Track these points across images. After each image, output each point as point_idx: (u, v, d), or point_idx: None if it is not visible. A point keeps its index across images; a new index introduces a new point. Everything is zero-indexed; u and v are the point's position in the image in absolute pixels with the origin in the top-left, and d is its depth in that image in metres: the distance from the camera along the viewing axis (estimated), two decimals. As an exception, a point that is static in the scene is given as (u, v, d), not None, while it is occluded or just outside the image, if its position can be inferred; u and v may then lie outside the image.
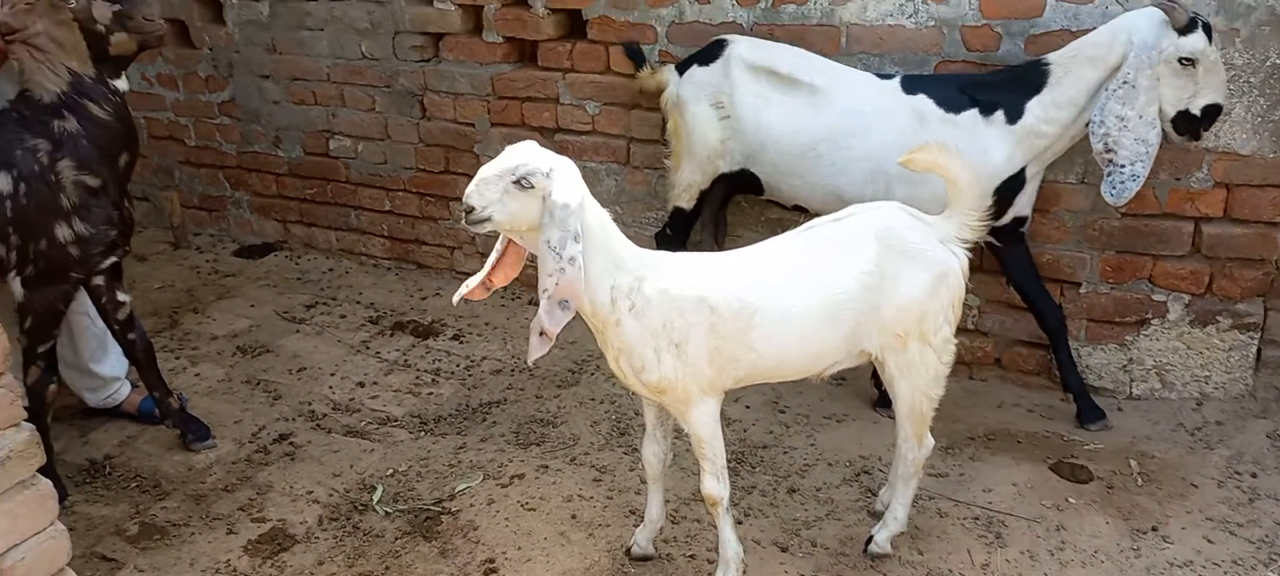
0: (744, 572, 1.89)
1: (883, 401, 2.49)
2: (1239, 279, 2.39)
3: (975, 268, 2.13)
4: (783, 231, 1.88)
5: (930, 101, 2.26)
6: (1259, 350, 2.47)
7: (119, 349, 2.43)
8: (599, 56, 2.98)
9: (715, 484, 1.80)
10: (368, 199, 3.61)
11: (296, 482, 2.35)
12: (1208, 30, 2.03)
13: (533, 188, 1.56)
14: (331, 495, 2.30)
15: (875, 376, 2.44)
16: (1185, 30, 2.00)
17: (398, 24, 3.25)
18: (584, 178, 3.11)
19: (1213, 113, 2.07)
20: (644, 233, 3.10)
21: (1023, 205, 2.30)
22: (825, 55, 2.56)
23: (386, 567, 2.04)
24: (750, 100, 2.41)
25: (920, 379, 1.83)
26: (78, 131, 2.11)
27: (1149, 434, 2.41)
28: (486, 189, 1.56)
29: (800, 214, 2.42)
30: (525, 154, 1.59)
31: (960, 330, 1.92)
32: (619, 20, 2.88)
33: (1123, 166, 2.09)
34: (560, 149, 3.08)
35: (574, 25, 3.04)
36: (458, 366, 2.92)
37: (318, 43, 3.42)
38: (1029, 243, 2.42)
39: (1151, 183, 2.33)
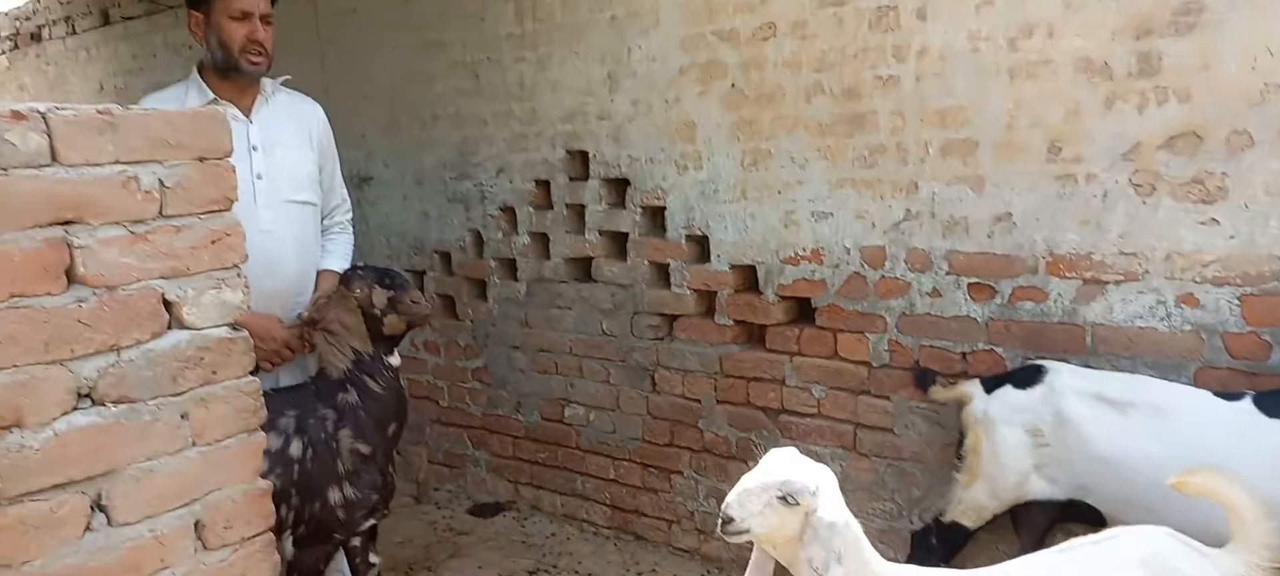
0: None
1: None
2: None
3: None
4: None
5: None
6: None
7: None
8: (826, 342, 3.04)
9: None
10: (594, 466, 3.75)
11: None
12: None
13: (798, 504, 1.54)
14: None
15: None
16: None
17: (637, 305, 3.50)
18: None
19: None
20: (869, 524, 2.98)
21: None
22: (1068, 355, 2.49)
23: None
24: (1082, 429, 2.24)
25: None
26: (357, 403, 2.39)
27: None
28: (749, 501, 1.55)
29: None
30: (789, 467, 1.58)
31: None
32: (848, 309, 2.96)
33: None
34: (784, 430, 3.14)
35: (802, 311, 3.15)
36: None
37: (565, 319, 3.74)
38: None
39: None
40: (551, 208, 3.70)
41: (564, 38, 3.51)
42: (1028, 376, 2.39)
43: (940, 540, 2.52)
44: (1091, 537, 1.68)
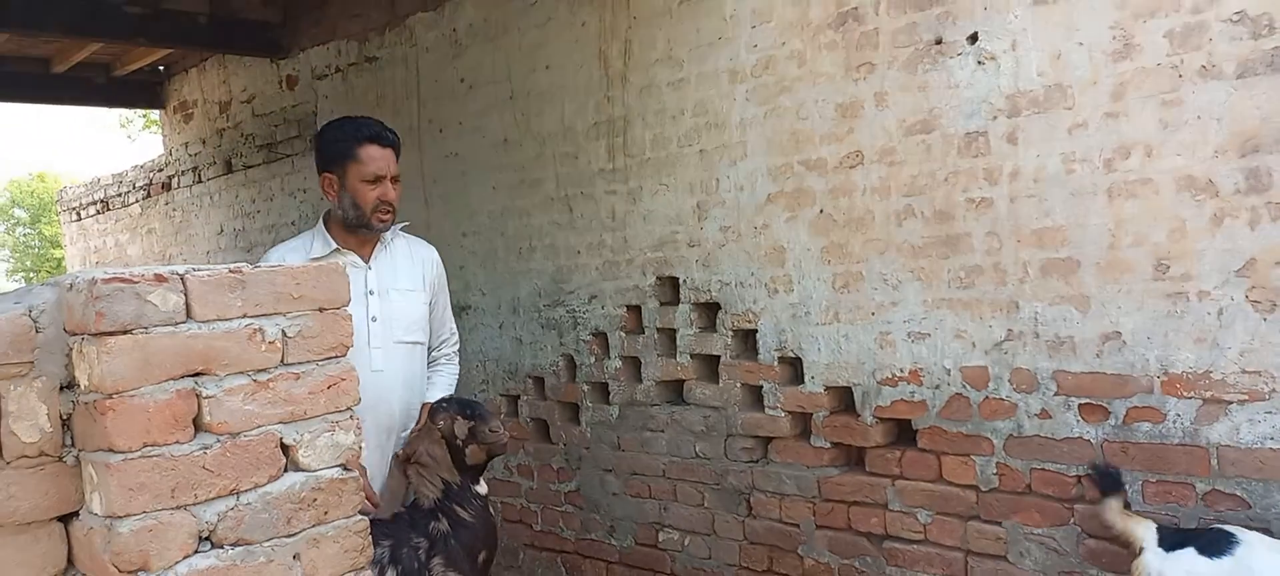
0: None
1: None
2: None
3: None
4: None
5: None
6: None
7: None
8: (930, 465, 2.95)
9: None
10: (689, 593, 3.67)
11: None
12: None
13: None
14: None
15: None
16: None
17: (731, 427, 3.48)
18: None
19: None
20: (983, 660, 2.84)
21: None
22: (1191, 478, 2.35)
23: None
24: None
25: None
26: (448, 532, 2.43)
27: None
28: None
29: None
30: None
31: None
32: (951, 431, 2.88)
33: None
34: (890, 557, 3.03)
35: (902, 433, 3.07)
36: None
37: (657, 442, 3.73)
38: None
39: None
40: (642, 332, 3.74)
41: (654, 170, 3.61)
42: (1215, 544, 2.17)
43: None
44: None
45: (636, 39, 3.63)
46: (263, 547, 1.56)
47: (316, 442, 1.64)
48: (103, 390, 1.40)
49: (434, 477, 2.47)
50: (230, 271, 1.55)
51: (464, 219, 4.39)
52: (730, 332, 3.45)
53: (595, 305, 3.91)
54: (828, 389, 3.18)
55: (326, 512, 1.64)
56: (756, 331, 3.36)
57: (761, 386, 3.37)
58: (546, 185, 4.04)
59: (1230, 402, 2.37)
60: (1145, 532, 2.30)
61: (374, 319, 2.62)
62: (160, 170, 7.03)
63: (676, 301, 3.62)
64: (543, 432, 4.21)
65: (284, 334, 1.60)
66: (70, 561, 1.51)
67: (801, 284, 3.20)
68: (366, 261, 2.67)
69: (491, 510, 2.54)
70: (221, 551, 1.51)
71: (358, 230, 2.63)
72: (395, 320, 2.65)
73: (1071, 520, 2.65)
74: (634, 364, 3.80)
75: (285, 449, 1.61)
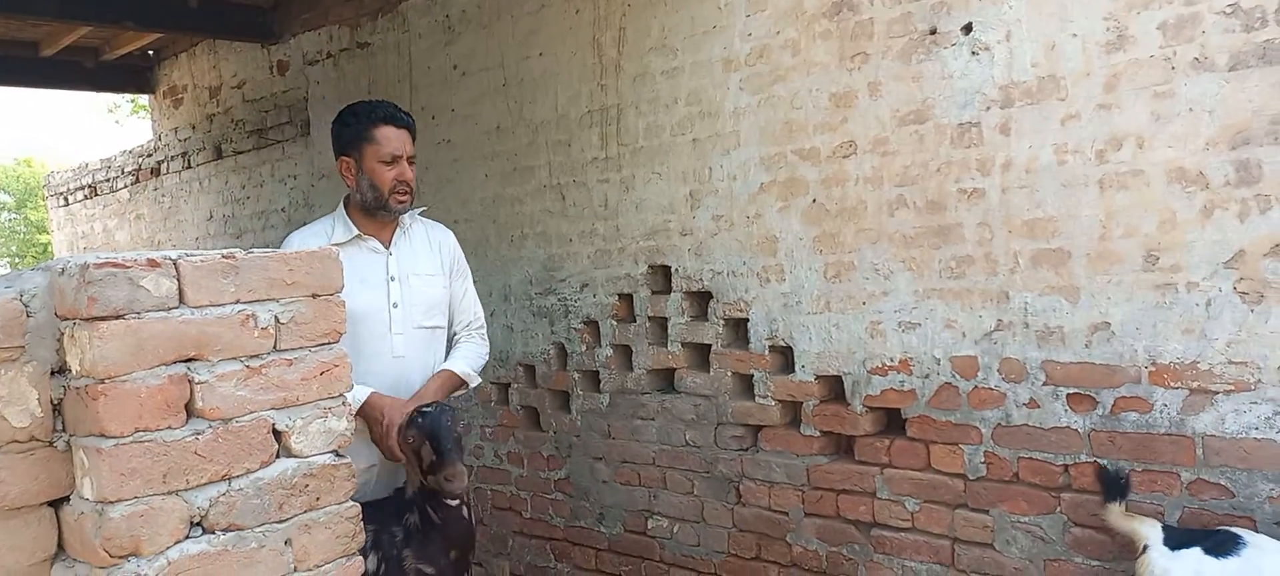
0: None
1: None
2: None
3: None
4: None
5: None
6: None
7: None
8: (919, 454, 2.97)
9: None
10: (679, 581, 3.69)
11: None
12: None
13: None
14: None
15: None
16: None
17: (721, 416, 3.49)
18: (907, 583, 2.99)
19: None
20: (971, 647, 2.86)
21: None
22: (1176, 468, 2.38)
23: None
24: None
25: None
26: (418, 527, 2.42)
27: None
28: None
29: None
30: None
31: None
32: (940, 420, 2.89)
33: None
34: (877, 544, 3.05)
35: (892, 421, 3.09)
36: None
37: (648, 430, 3.74)
38: None
39: None
40: (634, 320, 3.75)
41: (647, 159, 3.61)
42: (1222, 545, 2.17)
43: None
44: None
45: (630, 27, 3.62)
46: (254, 533, 1.56)
47: (309, 429, 1.64)
48: (94, 375, 1.39)
49: (413, 473, 2.46)
50: (223, 257, 1.54)
51: (456, 206, 4.38)
52: (722, 321, 3.46)
53: (587, 293, 3.91)
54: (818, 377, 3.19)
55: (318, 498, 1.64)
56: (748, 320, 3.37)
57: (752, 375, 3.38)
58: (539, 173, 4.03)
59: (1217, 393, 2.39)
60: (1150, 531, 2.30)
61: (395, 305, 2.62)
62: (149, 155, 6.99)
63: (668, 290, 3.63)
64: (533, 420, 4.22)
65: (277, 320, 1.60)
66: (60, 546, 1.51)
67: (793, 273, 3.21)
68: (387, 247, 2.67)
69: (466, 512, 2.47)
70: (213, 537, 1.51)
71: (377, 213, 2.64)
72: (416, 305, 2.66)
73: (1058, 509, 2.67)
74: (625, 352, 3.81)
75: (277, 434, 1.60)
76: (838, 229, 3.08)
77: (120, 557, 1.41)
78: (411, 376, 2.65)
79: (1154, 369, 2.48)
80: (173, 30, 5.61)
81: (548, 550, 4.21)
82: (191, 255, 1.49)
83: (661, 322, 3.67)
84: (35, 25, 5.74)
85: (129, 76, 6.82)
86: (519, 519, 4.33)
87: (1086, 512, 2.60)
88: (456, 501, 2.43)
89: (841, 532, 3.17)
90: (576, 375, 3.99)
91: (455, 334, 2.84)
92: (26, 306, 1.45)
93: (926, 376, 2.92)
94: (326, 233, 2.64)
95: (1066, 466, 2.65)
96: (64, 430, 1.49)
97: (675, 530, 3.69)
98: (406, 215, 2.71)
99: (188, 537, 1.49)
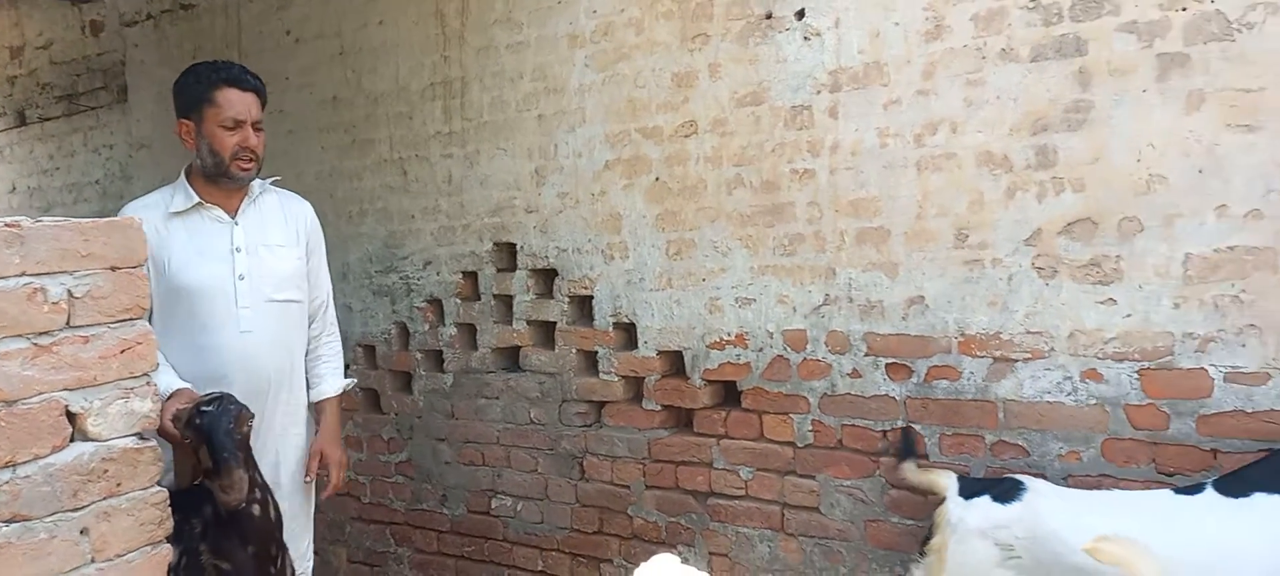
0: None
1: None
2: None
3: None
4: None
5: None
6: None
7: None
8: (753, 424, 3.08)
9: None
10: (522, 558, 3.68)
11: None
12: None
13: None
14: None
15: None
16: None
17: (566, 393, 3.50)
18: (738, 543, 3.12)
19: None
20: (800, 607, 3.00)
21: None
22: (981, 431, 2.57)
23: None
24: (1057, 547, 2.24)
25: None
26: (211, 519, 2.22)
27: None
28: None
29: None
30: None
31: None
32: (772, 391, 3.01)
33: None
34: (713, 513, 3.15)
35: (728, 394, 3.19)
36: None
37: (492, 409, 3.71)
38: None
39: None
40: (479, 299, 3.70)
41: (492, 134, 3.56)
42: (1007, 491, 2.37)
43: None
44: None
45: (473, -2, 3.55)
46: (44, 523, 1.45)
47: (108, 410, 1.53)
48: None
49: (186, 471, 2.30)
50: (6, 225, 1.42)
51: (290, 181, 4.11)
52: (567, 299, 3.46)
53: (430, 271, 3.83)
54: (660, 353, 3.25)
55: (119, 484, 1.55)
56: (593, 297, 3.39)
57: (597, 352, 3.41)
58: (379, 147, 3.91)
59: (1016, 360, 2.59)
60: (947, 482, 2.49)
61: (241, 277, 2.48)
62: (-60, 119, 6.31)
63: (514, 268, 3.60)
64: (373, 403, 4.10)
65: (70, 294, 1.48)
66: None
67: (637, 250, 3.25)
68: (232, 216, 2.52)
69: (259, 510, 2.27)
70: (-4, 528, 1.40)
71: (219, 180, 2.49)
72: (265, 278, 2.52)
73: (877, 472, 2.84)
74: (469, 331, 3.76)
75: (72, 417, 1.50)
76: (679, 207, 3.14)
77: (-117, 555, 1.29)
78: (262, 354, 2.51)
79: (962, 339, 2.67)
80: (-35, -19, 5.08)
81: (388, 534, 4.12)
82: (-35, 222, 1.36)
83: (507, 301, 3.64)
84: None
85: (-86, 31, 6.13)
86: (357, 504, 4.21)
87: (901, 482, 2.77)
88: (242, 506, 2.22)
89: (680, 503, 3.25)
90: (419, 355, 3.90)
91: (312, 318, 2.73)
92: None
93: (760, 350, 3.02)
94: (165, 202, 2.48)
95: (885, 432, 2.81)
96: None
97: (519, 508, 3.68)
98: (256, 183, 2.58)
99: (-35, 530, 1.37)
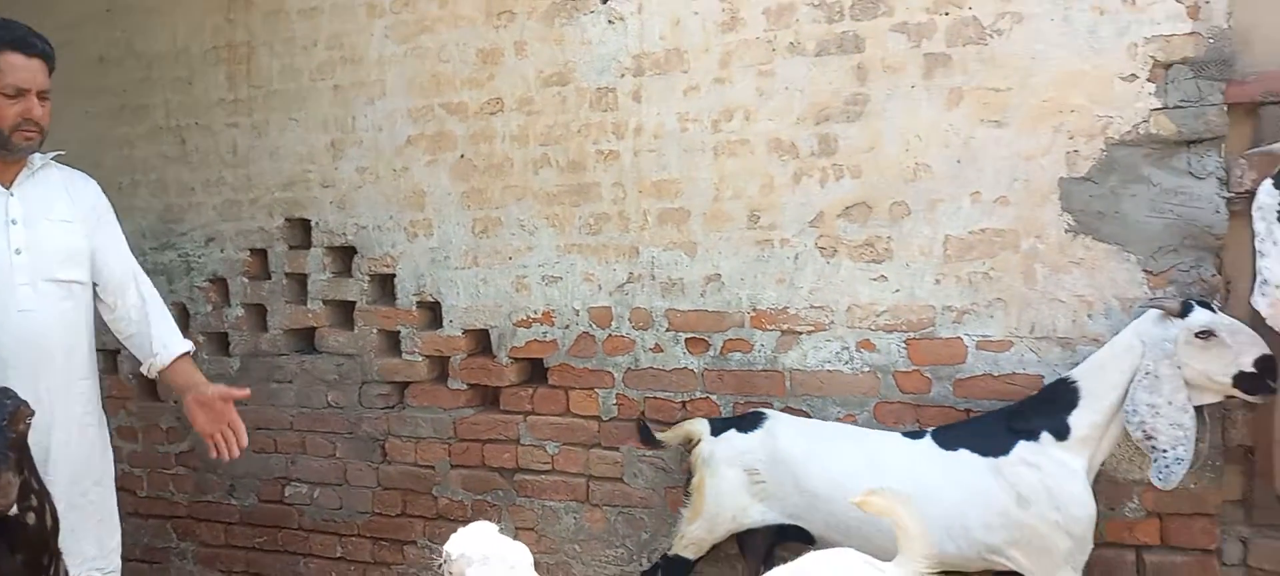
0: None
1: None
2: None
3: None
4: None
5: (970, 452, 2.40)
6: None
7: None
8: (559, 400, 3.13)
9: None
10: (319, 545, 3.55)
11: None
12: (1206, 304, 2.25)
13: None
14: None
15: None
16: (1183, 313, 2.23)
17: (366, 374, 3.40)
18: (544, 516, 3.16)
19: (1265, 363, 2.19)
20: (603, 572, 3.10)
21: None
22: (771, 398, 2.77)
23: None
24: (794, 468, 2.50)
25: None
26: None
27: None
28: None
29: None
30: (466, 542, 1.69)
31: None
32: (578, 367, 3.08)
33: (1165, 451, 2.24)
34: (520, 488, 3.18)
35: (535, 371, 3.23)
36: None
37: (285, 393, 3.54)
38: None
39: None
40: (269, 277, 3.52)
41: (282, 104, 3.39)
42: (749, 422, 2.63)
43: (665, 573, 2.69)
44: (788, 566, 1.89)
45: (262, -41, 3.36)
46: None
47: None
48: None
49: None
50: None
51: (49, 146, 3.76)
52: (367, 277, 3.37)
53: (213, 248, 3.59)
54: (466, 332, 3.24)
55: None
56: (395, 276, 3.32)
57: (399, 331, 3.34)
58: (154, 113, 3.61)
59: (801, 333, 2.81)
60: (700, 427, 2.69)
61: (18, 251, 2.25)
62: None
63: (308, 245, 3.45)
64: (149, 390, 3.80)
65: None
66: None
67: (442, 228, 3.22)
68: (8, 187, 2.28)
69: (33, 518, 2.02)
70: None
71: None
72: (46, 254, 2.29)
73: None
74: (258, 311, 3.57)
75: None
76: (486, 185, 3.13)
77: None
78: (45, 334, 2.29)
79: (754, 314, 2.86)
80: None
81: (169, 529, 3.84)
82: None
83: (300, 279, 3.49)
84: None
85: None
86: (133, 498, 3.88)
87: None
88: (15, 511, 1.96)
89: (486, 481, 3.26)
90: (201, 338, 3.64)
91: (118, 299, 2.50)
92: None
93: (567, 327, 3.08)
94: None
95: (684, 403, 2.96)
96: None
97: (315, 495, 3.54)
98: (36, 157, 2.36)
99: None
